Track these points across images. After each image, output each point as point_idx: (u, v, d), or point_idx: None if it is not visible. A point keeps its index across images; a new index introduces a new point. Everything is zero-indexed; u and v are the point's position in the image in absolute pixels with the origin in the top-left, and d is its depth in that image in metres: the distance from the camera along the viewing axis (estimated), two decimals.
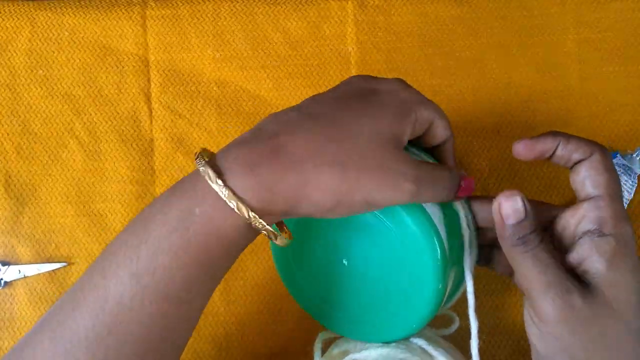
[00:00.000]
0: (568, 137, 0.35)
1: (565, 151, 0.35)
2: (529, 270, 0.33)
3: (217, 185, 0.29)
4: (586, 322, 0.32)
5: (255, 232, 0.31)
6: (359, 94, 0.34)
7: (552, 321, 0.32)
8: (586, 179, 0.34)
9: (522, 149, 0.35)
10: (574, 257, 0.33)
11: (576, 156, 0.34)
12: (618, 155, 0.40)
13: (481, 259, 0.39)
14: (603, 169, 0.34)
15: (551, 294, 0.32)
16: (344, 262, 0.38)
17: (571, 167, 0.35)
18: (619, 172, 0.38)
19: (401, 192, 0.31)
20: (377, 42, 0.52)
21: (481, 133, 0.51)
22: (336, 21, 0.52)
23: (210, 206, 0.30)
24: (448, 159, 0.38)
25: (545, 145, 0.35)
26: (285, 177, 0.30)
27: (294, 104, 0.51)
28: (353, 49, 0.52)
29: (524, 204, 0.33)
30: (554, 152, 0.35)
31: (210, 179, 0.29)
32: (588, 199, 0.34)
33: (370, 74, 0.51)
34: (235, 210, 0.29)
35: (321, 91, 0.51)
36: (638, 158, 0.42)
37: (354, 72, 0.52)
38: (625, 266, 0.32)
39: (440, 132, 0.36)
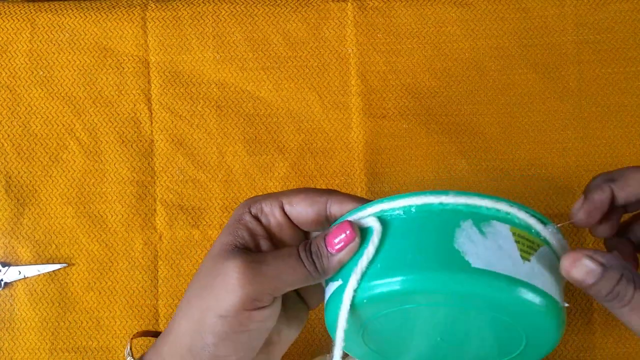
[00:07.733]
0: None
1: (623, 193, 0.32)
2: (637, 324, 0.29)
3: None
4: None
5: None
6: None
7: None
8: None
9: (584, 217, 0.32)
10: None
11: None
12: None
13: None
14: None
15: None
16: (438, 338, 0.35)
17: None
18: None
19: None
20: (377, 43, 0.52)
21: (480, 135, 0.51)
22: (336, 23, 0.52)
23: None
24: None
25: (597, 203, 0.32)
26: None
27: (293, 105, 0.52)
28: (353, 50, 0.52)
29: (595, 261, 0.29)
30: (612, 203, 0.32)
31: None
32: None
33: (370, 75, 0.52)
34: None
35: (321, 92, 0.52)
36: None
37: (353, 74, 0.52)
38: None
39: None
